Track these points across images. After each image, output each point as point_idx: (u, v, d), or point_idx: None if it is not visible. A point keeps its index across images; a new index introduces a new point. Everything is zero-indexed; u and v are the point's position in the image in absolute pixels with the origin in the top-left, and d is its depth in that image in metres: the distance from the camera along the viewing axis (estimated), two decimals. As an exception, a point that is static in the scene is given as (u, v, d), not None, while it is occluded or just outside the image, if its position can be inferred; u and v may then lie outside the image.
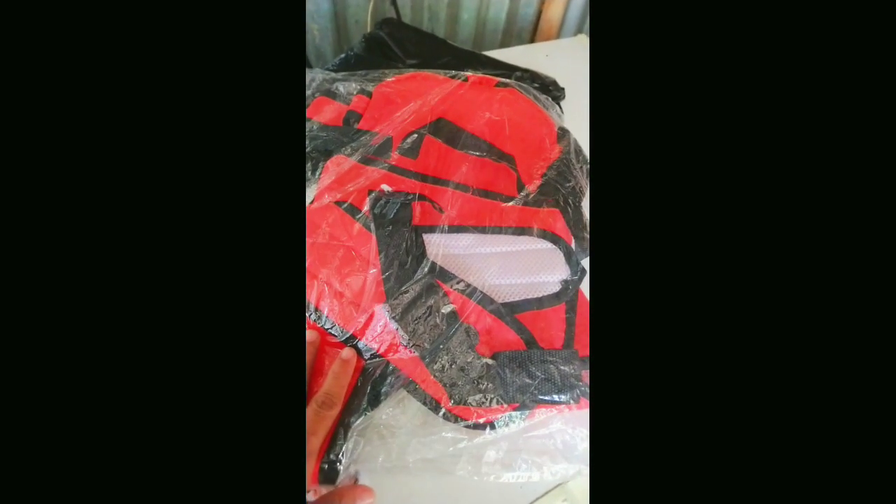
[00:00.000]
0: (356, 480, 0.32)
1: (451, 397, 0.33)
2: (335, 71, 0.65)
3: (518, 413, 0.34)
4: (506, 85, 0.53)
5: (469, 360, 0.34)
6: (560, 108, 0.65)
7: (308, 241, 0.37)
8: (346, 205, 0.38)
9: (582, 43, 0.88)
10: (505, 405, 0.33)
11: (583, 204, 0.46)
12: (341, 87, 0.52)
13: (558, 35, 0.95)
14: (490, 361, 0.34)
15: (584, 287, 0.41)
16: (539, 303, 0.38)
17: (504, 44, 0.95)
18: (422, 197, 0.40)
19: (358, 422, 0.32)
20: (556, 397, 0.34)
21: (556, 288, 0.39)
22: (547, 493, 0.36)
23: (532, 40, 0.97)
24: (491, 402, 0.33)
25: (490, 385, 0.33)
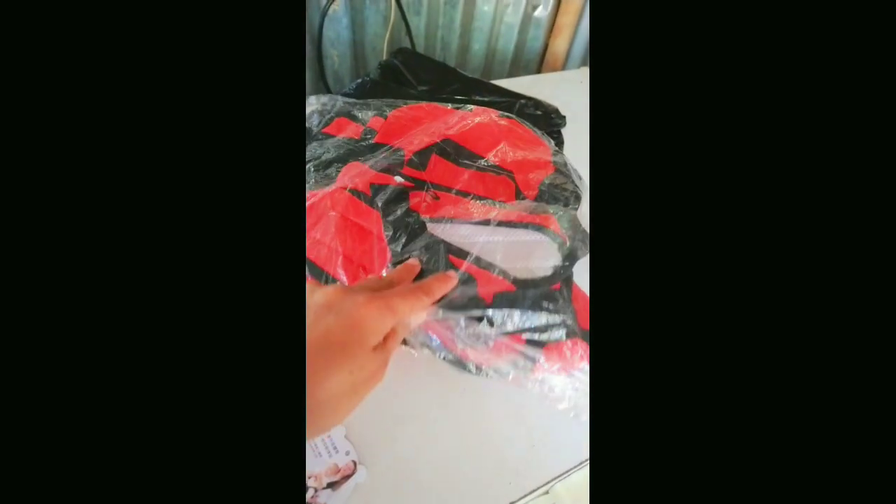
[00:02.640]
0: None
1: (458, 340, 0.36)
2: (353, 93, 0.70)
3: (529, 350, 0.37)
4: (507, 117, 0.58)
5: (472, 300, 0.37)
6: (561, 135, 0.70)
7: (323, 218, 0.42)
8: (354, 191, 0.43)
9: (586, 75, 0.93)
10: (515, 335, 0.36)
11: (577, 213, 0.50)
12: (359, 113, 0.57)
13: (564, 67, 1.00)
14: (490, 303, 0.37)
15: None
16: (545, 280, 0.41)
17: (512, 74, 1.00)
18: (421, 188, 0.44)
19: None
20: (554, 318, 0.37)
21: (548, 272, 0.42)
22: (534, 491, 0.38)
23: (538, 71, 1.02)
24: (498, 335, 0.36)
25: (495, 320, 0.36)
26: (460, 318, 0.35)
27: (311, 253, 0.41)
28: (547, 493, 0.40)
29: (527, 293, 0.38)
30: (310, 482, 0.36)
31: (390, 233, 0.40)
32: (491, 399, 0.42)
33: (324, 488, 0.35)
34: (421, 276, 0.37)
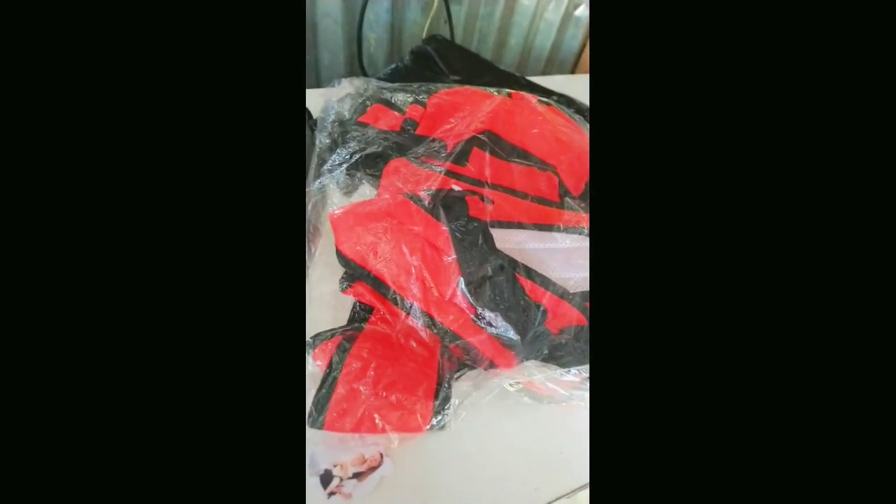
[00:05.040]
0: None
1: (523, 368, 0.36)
2: (386, 80, 0.68)
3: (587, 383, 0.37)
4: (546, 103, 0.56)
5: (541, 334, 0.37)
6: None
7: (388, 231, 0.40)
8: (413, 196, 0.41)
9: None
10: (579, 374, 0.37)
11: None
12: (395, 98, 0.55)
13: (599, 69, 0.98)
14: (558, 337, 0.38)
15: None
16: None
17: (546, 72, 0.98)
18: (476, 192, 0.42)
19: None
20: None
21: None
22: (560, 498, 0.38)
23: (573, 72, 1.00)
24: (563, 374, 0.37)
25: (561, 355, 0.37)
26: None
27: (377, 268, 0.39)
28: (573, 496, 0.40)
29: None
30: (335, 471, 0.35)
31: (458, 246, 0.38)
32: (516, 407, 0.41)
33: (349, 478, 0.35)
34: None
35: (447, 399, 0.35)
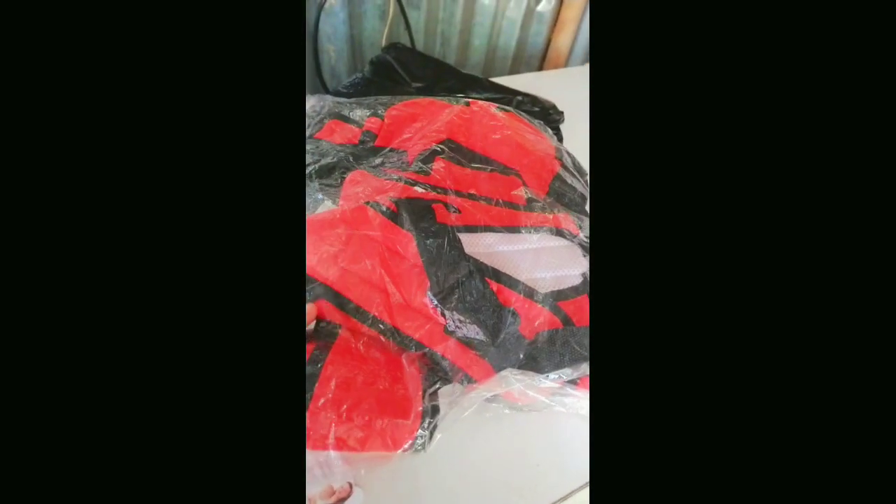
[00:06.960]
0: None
1: (500, 378, 0.35)
2: (346, 92, 0.67)
3: (569, 388, 0.37)
4: (505, 109, 0.56)
5: (514, 339, 0.36)
6: (560, 131, 0.68)
7: (344, 240, 0.39)
8: (372, 203, 0.39)
9: (588, 72, 0.90)
10: (559, 378, 0.36)
11: (586, 208, 0.51)
12: (352, 113, 0.54)
13: (566, 64, 0.98)
14: (534, 342, 0.37)
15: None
16: (577, 290, 0.40)
17: (513, 70, 0.98)
18: (440, 200, 0.42)
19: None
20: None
21: (578, 280, 0.41)
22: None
23: (541, 68, 1.00)
24: (542, 380, 0.36)
25: (538, 361, 0.36)
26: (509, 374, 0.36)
27: (343, 286, 0.37)
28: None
29: (571, 332, 0.37)
30: (303, 505, 0.34)
31: (425, 253, 0.37)
32: (492, 420, 0.40)
33: (318, 512, 0.34)
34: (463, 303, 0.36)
35: (425, 415, 0.34)
